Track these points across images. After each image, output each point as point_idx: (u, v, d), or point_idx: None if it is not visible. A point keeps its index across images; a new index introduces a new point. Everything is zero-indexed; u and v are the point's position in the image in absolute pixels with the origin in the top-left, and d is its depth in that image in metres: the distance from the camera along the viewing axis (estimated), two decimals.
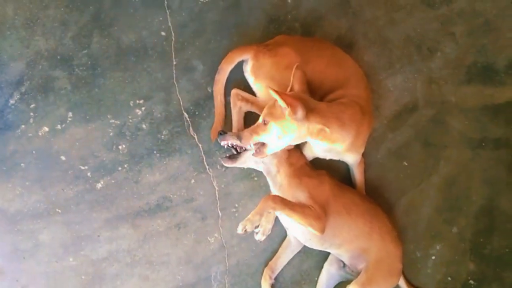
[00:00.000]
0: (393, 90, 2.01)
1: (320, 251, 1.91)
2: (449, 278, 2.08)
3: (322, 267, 1.96)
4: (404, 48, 2.03)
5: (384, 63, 2.00)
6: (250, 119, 1.84)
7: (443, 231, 2.06)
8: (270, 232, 1.89)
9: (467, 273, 2.10)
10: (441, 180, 2.05)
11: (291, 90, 1.61)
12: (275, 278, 1.92)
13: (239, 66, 1.85)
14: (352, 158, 1.84)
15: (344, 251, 1.82)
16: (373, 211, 1.85)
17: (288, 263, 1.92)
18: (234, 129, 1.83)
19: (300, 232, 1.78)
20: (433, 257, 2.06)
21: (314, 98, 1.64)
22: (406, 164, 2.03)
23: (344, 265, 1.91)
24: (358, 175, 1.94)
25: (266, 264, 1.93)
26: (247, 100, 1.79)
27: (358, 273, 1.81)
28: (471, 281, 2.10)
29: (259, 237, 1.89)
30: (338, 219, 1.73)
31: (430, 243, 2.06)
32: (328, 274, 1.94)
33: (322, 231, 1.65)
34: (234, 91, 1.81)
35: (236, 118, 1.82)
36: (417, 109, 2.03)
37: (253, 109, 1.80)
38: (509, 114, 2.08)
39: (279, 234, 1.93)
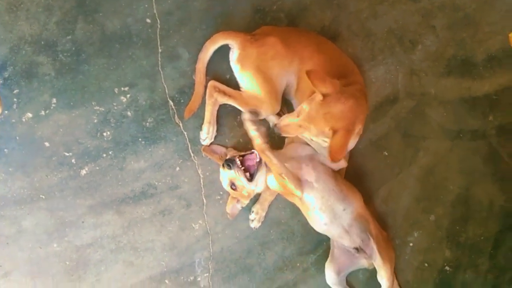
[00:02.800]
0: (375, 82, 2.05)
1: (303, 238, 1.97)
2: (426, 265, 2.15)
3: (305, 253, 2.01)
4: (387, 40, 2.06)
5: (367, 54, 2.03)
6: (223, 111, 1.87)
7: (421, 219, 2.12)
8: (264, 219, 1.94)
9: (444, 259, 2.17)
10: (419, 170, 2.10)
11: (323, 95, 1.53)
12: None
13: (220, 62, 1.86)
14: (353, 144, 1.83)
15: (354, 220, 1.83)
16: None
17: (270, 249, 1.95)
18: (206, 121, 1.83)
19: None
20: (411, 244, 2.13)
21: None
22: (386, 154, 2.08)
23: (357, 250, 1.93)
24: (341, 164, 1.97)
25: (249, 251, 1.97)
26: (224, 93, 1.78)
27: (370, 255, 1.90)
28: (447, 268, 2.18)
29: (255, 224, 1.93)
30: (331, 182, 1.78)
31: (409, 230, 2.12)
32: (337, 280, 1.99)
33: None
34: (211, 83, 1.80)
35: (210, 110, 1.81)
36: (397, 100, 2.07)
37: (229, 102, 1.80)
38: (485, 107, 2.14)
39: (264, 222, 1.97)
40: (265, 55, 1.71)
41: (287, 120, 1.61)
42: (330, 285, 2.03)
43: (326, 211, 1.77)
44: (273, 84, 1.73)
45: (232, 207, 1.88)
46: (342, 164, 1.87)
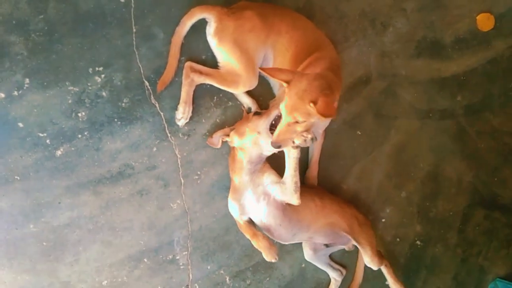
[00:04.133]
0: (348, 63, 2.09)
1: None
2: (398, 239, 2.24)
3: None
4: (359, 23, 2.09)
5: (340, 36, 2.06)
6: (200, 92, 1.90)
7: (393, 195, 2.20)
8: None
9: (415, 234, 2.25)
10: (391, 148, 2.17)
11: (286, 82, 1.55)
12: None
13: (196, 42, 1.87)
14: (326, 123, 1.89)
15: (315, 233, 1.92)
16: (318, 191, 2.00)
17: (244, 237, 1.97)
18: (182, 101, 1.84)
19: (271, 221, 1.85)
20: (383, 220, 2.21)
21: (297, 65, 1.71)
22: (359, 133, 2.14)
23: (327, 245, 2.04)
24: (318, 145, 2.02)
25: (227, 229, 2.01)
26: (200, 72, 1.79)
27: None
28: (418, 242, 2.26)
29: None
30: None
31: (381, 207, 2.19)
32: (315, 256, 2.07)
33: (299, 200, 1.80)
34: (187, 64, 1.81)
35: (186, 90, 1.82)
36: (370, 81, 2.13)
37: (207, 81, 1.81)
38: (454, 87, 2.21)
39: None
40: (242, 28, 1.72)
41: (278, 129, 1.58)
42: (309, 261, 2.09)
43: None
44: (250, 57, 1.74)
45: (214, 137, 1.89)
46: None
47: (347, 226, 1.96)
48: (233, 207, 1.87)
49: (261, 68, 1.63)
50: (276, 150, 1.72)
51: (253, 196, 1.83)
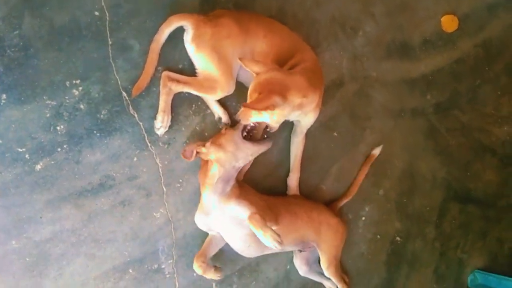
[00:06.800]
0: (321, 67, 2.15)
1: None
2: (378, 236, 2.29)
3: None
4: (330, 28, 2.16)
5: (312, 42, 2.12)
6: (178, 100, 1.93)
7: (371, 193, 2.26)
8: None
9: (394, 231, 2.32)
10: (367, 147, 2.23)
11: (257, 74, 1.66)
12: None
13: (172, 52, 1.90)
14: (312, 117, 1.93)
15: (284, 246, 1.91)
16: (289, 204, 1.99)
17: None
18: (161, 110, 1.86)
19: (239, 244, 1.88)
20: (363, 218, 2.27)
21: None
22: (336, 134, 2.19)
23: (300, 251, 2.07)
24: (299, 146, 2.07)
25: None
26: (178, 81, 1.82)
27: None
28: (398, 238, 2.33)
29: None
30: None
31: (360, 205, 2.25)
32: (309, 271, 2.12)
33: (277, 223, 1.81)
34: (165, 73, 1.83)
35: (164, 99, 1.84)
36: (343, 84, 2.19)
37: (185, 89, 1.83)
38: (423, 87, 2.30)
39: None
40: (219, 35, 1.76)
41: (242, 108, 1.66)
42: (305, 276, 2.13)
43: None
44: (228, 63, 1.78)
45: (188, 150, 1.85)
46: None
47: (314, 234, 1.99)
48: (200, 223, 1.90)
49: (240, 58, 1.67)
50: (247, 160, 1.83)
51: (220, 217, 1.82)
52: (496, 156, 2.45)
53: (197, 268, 1.87)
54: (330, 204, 2.17)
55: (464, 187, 2.42)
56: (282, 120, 1.70)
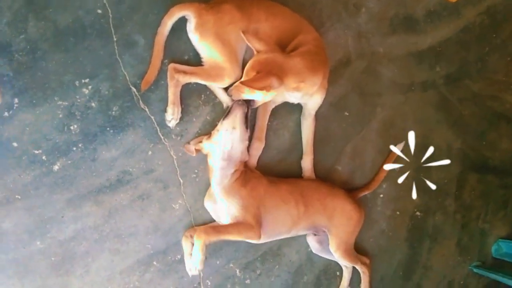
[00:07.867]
0: (326, 47, 2.10)
1: None
2: (398, 213, 2.28)
3: None
4: (332, 7, 2.14)
5: (315, 22, 2.10)
6: (187, 91, 1.93)
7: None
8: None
9: (413, 206, 2.30)
10: (379, 124, 2.22)
11: (257, 52, 1.69)
12: None
13: (177, 44, 1.90)
14: (319, 98, 1.94)
15: (296, 232, 1.96)
16: (306, 191, 1.98)
17: None
18: (170, 103, 1.87)
19: None
20: (381, 195, 2.25)
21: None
22: (347, 114, 2.18)
23: (315, 234, 2.07)
24: (310, 128, 2.07)
25: None
26: (184, 72, 1.83)
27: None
28: (418, 213, 2.31)
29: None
30: (278, 211, 1.88)
31: None
32: (322, 249, 2.11)
33: (259, 237, 1.79)
34: (171, 65, 1.84)
35: (173, 91, 1.85)
36: (350, 62, 2.18)
37: (192, 80, 1.84)
38: (431, 59, 2.27)
39: None
40: (222, 21, 1.76)
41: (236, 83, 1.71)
42: (317, 254, 2.13)
43: None
44: (233, 49, 1.79)
45: (188, 149, 1.95)
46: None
47: (326, 220, 1.99)
48: (209, 209, 1.94)
49: (243, 32, 1.70)
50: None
51: (224, 207, 1.84)
52: (511, 123, 2.41)
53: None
54: (350, 191, 2.15)
55: (480, 157, 2.39)
56: (270, 100, 1.76)
